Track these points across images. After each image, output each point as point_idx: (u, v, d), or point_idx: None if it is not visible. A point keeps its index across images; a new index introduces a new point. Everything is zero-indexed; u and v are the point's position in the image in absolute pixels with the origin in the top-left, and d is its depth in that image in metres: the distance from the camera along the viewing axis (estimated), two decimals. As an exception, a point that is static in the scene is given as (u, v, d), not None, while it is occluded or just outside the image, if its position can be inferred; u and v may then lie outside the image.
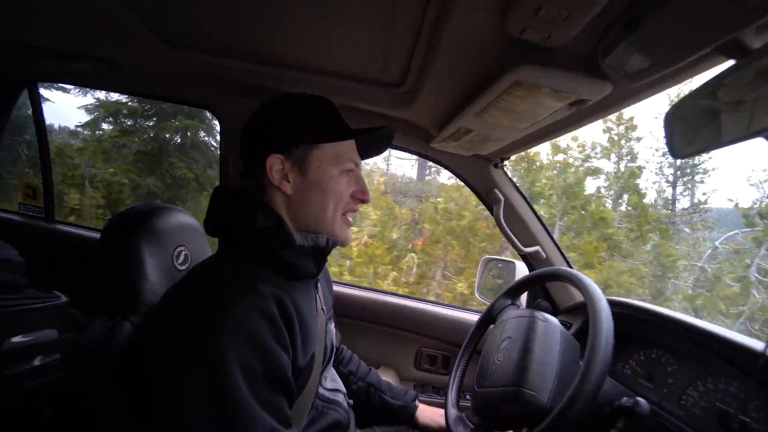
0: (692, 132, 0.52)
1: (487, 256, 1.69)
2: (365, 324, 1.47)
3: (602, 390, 0.74)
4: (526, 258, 1.34)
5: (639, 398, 0.70)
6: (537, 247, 1.28)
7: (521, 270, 1.47)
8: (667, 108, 0.57)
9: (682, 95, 0.57)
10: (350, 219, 0.76)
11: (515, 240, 1.28)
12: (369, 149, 0.80)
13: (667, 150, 0.59)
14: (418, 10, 0.62)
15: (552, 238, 1.30)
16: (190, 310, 0.56)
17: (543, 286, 1.36)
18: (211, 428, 0.49)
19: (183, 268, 0.81)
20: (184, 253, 0.83)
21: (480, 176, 1.27)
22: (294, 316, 0.62)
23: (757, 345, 0.70)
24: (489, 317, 1.02)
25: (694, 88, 0.48)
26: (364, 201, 0.75)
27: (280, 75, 1.02)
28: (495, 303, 1.03)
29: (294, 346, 0.61)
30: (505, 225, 1.27)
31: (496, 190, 1.25)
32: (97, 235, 1.22)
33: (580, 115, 0.76)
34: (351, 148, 0.73)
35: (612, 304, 1.00)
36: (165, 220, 0.81)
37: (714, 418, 0.72)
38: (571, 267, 1.29)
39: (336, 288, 1.43)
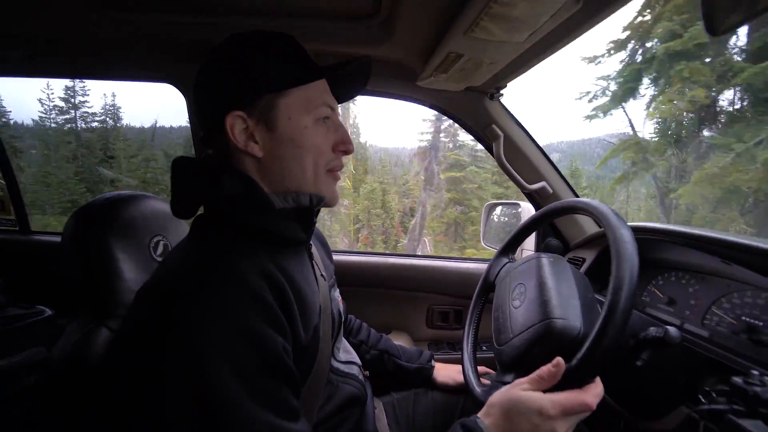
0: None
1: (491, 201, 1.62)
2: (371, 290, 1.42)
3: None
4: (531, 196, 1.26)
5: (668, 326, 0.64)
6: (542, 183, 1.20)
7: (527, 211, 1.39)
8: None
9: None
10: (338, 174, 0.65)
11: (519, 178, 1.19)
12: (345, 89, 0.68)
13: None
14: None
15: (557, 170, 1.21)
16: (166, 304, 0.47)
17: (551, 224, 1.28)
18: None
19: None
20: (162, 243, 0.74)
21: (475, 112, 1.15)
22: (287, 290, 0.54)
23: None
24: (487, 284, 0.93)
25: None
26: (347, 152, 0.64)
27: (237, 25, 0.89)
28: (490, 269, 0.94)
29: (292, 324, 0.53)
30: (506, 163, 1.17)
31: (494, 126, 1.14)
32: None
33: (589, 10, 0.64)
34: (324, 90, 0.62)
35: (635, 230, 0.94)
36: (134, 208, 0.72)
37: (741, 333, 0.68)
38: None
39: (335, 257, 1.36)
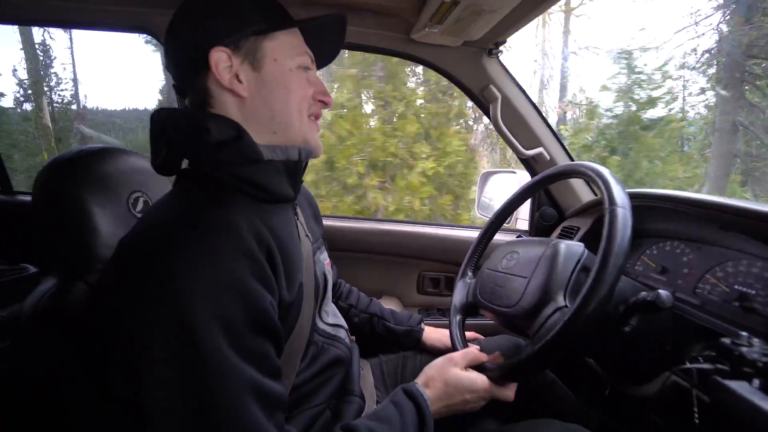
0: None
1: (486, 170, 1.59)
2: (363, 255, 1.41)
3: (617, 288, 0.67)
4: (528, 163, 1.22)
5: (660, 290, 0.63)
6: (540, 149, 1.16)
7: (523, 180, 1.36)
8: None
9: None
10: (318, 123, 0.65)
11: (516, 143, 1.15)
12: (320, 45, 0.67)
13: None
14: None
15: (556, 135, 1.17)
16: (152, 252, 0.46)
17: (547, 192, 1.26)
18: (179, 389, 0.41)
19: None
20: (142, 199, 0.71)
21: (473, 71, 1.09)
22: (274, 247, 0.54)
23: None
24: (464, 305, 0.91)
25: None
26: (326, 104, 0.65)
27: None
28: (457, 295, 0.92)
29: (278, 280, 0.53)
30: (504, 127, 1.12)
31: (492, 87, 1.09)
32: None
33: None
34: (303, 41, 0.63)
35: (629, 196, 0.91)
36: (112, 164, 0.68)
37: (733, 302, 0.67)
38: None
39: (328, 222, 1.34)
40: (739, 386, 0.47)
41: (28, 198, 1.57)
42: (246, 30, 0.56)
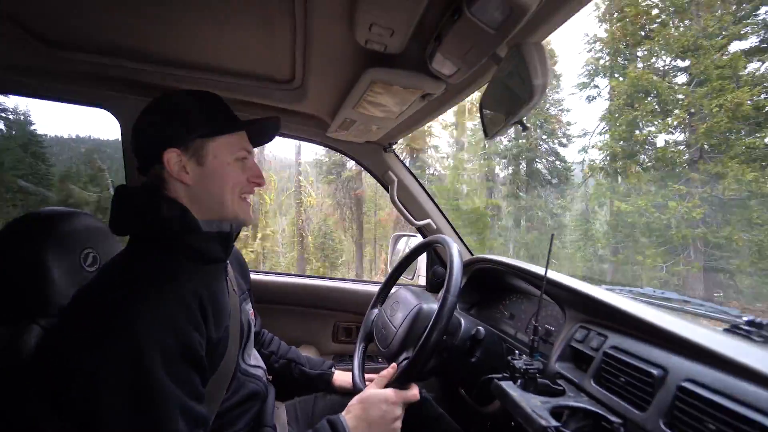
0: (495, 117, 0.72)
1: (396, 233, 1.87)
2: (285, 307, 1.57)
3: (464, 327, 0.95)
4: (420, 230, 1.55)
5: (479, 327, 0.92)
6: (428, 220, 1.49)
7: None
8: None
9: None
10: (249, 199, 0.80)
11: (408, 215, 1.47)
12: (259, 138, 0.87)
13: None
14: (288, 15, 0.72)
15: (441, 211, 1.52)
16: (106, 303, 0.59)
17: (437, 254, 1.57)
18: (129, 410, 0.54)
19: (92, 269, 0.82)
20: (92, 255, 0.83)
21: (374, 160, 1.43)
22: (206, 297, 0.67)
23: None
24: (367, 333, 1.13)
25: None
26: (259, 184, 0.80)
27: (174, 73, 1.04)
28: (365, 320, 1.15)
29: (206, 323, 0.66)
30: (398, 202, 1.45)
31: (390, 172, 1.42)
32: None
33: (433, 105, 0.94)
34: (243, 138, 0.78)
35: (480, 260, 1.24)
36: (68, 223, 0.81)
37: (542, 335, 0.96)
38: (456, 232, 1.53)
39: (255, 276, 1.49)
40: (506, 384, 0.72)
41: None
42: (193, 134, 0.71)
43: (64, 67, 1.05)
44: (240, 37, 0.85)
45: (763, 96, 8.40)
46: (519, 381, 0.75)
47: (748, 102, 8.32)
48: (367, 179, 14.66)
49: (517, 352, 0.82)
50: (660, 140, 10.66)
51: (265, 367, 0.98)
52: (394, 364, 0.89)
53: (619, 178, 11.39)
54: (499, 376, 0.78)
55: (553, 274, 0.94)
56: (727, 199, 8.95)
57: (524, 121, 0.61)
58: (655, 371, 0.59)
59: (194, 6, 0.74)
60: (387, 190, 1.47)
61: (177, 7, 0.76)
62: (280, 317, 1.55)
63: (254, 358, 0.94)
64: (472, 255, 1.47)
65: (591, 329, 0.79)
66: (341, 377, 1.15)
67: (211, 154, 0.73)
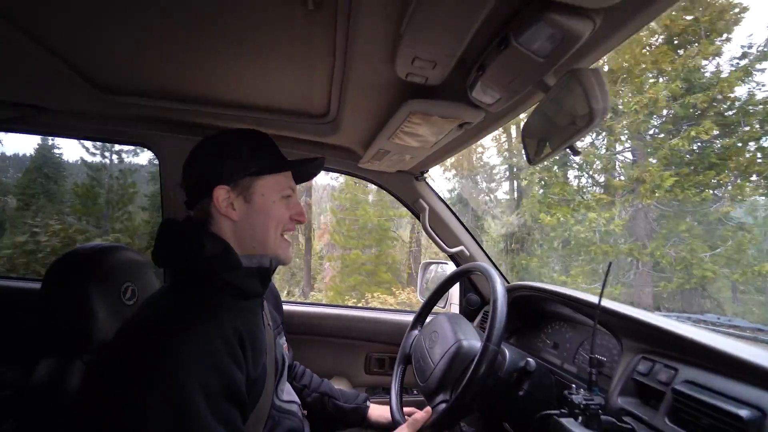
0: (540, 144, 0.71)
1: (426, 261, 1.85)
2: (316, 338, 1.55)
3: (509, 359, 0.91)
4: (453, 258, 1.52)
5: (528, 359, 0.87)
6: (461, 247, 1.47)
7: (451, 270, 1.64)
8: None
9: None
10: (288, 239, 0.83)
11: (441, 242, 1.46)
12: (303, 176, 0.90)
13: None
14: (329, 55, 0.75)
15: (474, 237, 1.50)
16: (150, 339, 0.60)
17: (470, 282, 1.54)
18: None
19: (131, 303, 0.84)
20: (131, 288, 0.86)
21: (406, 189, 1.44)
22: (245, 334, 0.68)
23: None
24: (405, 355, 1.12)
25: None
26: (300, 221, 0.82)
27: (216, 113, 1.09)
28: (404, 341, 1.15)
29: (246, 360, 0.67)
30: (431, 230, 1.44)
31: (421, 200, 1.42)
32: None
33: (470, 133, 0.95)
34: (288, 176, 0.81)
35: (520, 288, 1.20)
36: (112, 258, 0.84)
37: (593, 367, 0.90)
38: (490, 260, 1.49)
39: (286, 307, 1.49)
40: (567, 422, 0.69)
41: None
42: (243, 173, 0.74)
43: (115, 110, 1.12)
44: (280, 78, 0.89)
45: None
46: (579, 418, 0.70)
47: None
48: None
49: (573, 386, 0.76)
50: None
51: (299, 401, 0.96)
52: (428, 408, 0.87)
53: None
54: (557, 412, 0.74)
55: (606, 302, 0.89)
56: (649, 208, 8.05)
57: (575, 146, 0.60)
58: (744, 413, 0.54)
59: (243, 52, 0.78)
60: (418, 218, 1.46)
61: (225, 54, 0.80)
62: (311, 348, 1.53)
63: (288, 393, 0.93)
64: (508, 282, 1.43)
65: (656, 361, 0.73)
66: (376, 411, 1.13)
67: (259, 192, 0.75)
